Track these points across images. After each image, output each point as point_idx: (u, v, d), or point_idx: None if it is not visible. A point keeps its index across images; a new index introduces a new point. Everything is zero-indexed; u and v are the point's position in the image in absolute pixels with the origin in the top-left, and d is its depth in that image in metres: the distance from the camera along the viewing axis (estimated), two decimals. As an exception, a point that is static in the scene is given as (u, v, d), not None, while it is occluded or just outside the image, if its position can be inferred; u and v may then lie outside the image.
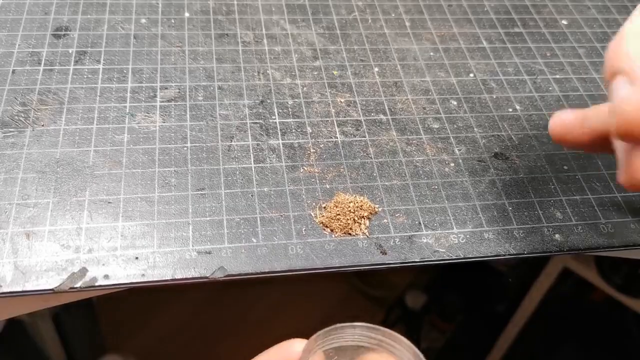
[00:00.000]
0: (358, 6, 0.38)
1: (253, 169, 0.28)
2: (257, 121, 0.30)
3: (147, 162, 0.27)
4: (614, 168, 0.30)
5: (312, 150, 0.29)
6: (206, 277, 0.24)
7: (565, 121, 0.26)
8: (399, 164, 0.29)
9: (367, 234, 0.26)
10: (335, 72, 0.34)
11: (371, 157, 0.29)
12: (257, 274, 0.24)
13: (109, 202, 0.26)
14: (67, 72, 0.31)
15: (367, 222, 0.26)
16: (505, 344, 0.70)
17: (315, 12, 0.37)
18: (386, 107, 0.32)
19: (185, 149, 0.28)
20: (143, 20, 0.35)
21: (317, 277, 0.23)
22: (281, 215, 0.26)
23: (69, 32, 0.33)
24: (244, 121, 0.30)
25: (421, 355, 0.22)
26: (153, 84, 0.31)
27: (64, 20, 0.34)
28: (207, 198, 0.26)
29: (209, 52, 0.34)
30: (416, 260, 0.25)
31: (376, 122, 0.31)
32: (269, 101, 0.31)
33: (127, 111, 0.30)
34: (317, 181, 0.28)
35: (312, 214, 0.26)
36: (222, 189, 0.27)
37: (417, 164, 0.29)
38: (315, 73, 0.33)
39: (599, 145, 0.26)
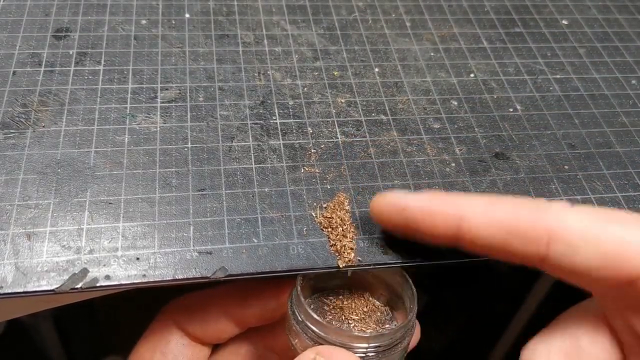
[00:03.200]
0: (358, 7, 0.38)
1: (254, 170, 0.28)
2: (258, 122, 0.30)
3: (147, 163, 0.28)
4: (615, 168, 0.30)
5: (312, 151, 0.29)
6: (207, 278, 0.24)
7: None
8: (399, 164, 0.29)
9: (352, 247, 0.25)
10: (335, 73, 0.34)
11: (372, 158, 0.29)
12: (258, 273, 0.24)
13: (110, 203, 0.26)
14: (68, 74, 0.31)
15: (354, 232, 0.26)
16: (506, 344, 0.70)
17: (316, 13, 0.37)
18: (387, 108, 0.32)
19: (186, 149, 0.28)
20: (143, 22, 0.35)
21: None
22: (282, 216, 0.26)
23: (69, 34, 0.33)
24: (245, 122, 0.30)
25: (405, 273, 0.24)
26: (154, 85, 0.31)
27: (65, 22, 0.34)
28: (208, 198, 0.26)
29: (209, 53, 0.34)
30: (418, 260, 0.25)
31: (377, 122, 0.31)
32: (269, 102, 0.31)
33: (128, 112, 0.30)
34: (318, 181, 0.28)
35: (313, 214, 0.26)
36: (223, 189, 0.27)
37: (418, 164, 0.29)
38: (316, 74, 0.33)
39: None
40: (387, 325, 0.25)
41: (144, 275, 0.23)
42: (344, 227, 0.25)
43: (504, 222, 0.21)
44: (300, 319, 0.23)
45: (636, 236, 0.20)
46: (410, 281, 0.24)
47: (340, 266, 0.24)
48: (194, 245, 0.25)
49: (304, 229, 0.26)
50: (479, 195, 0.23)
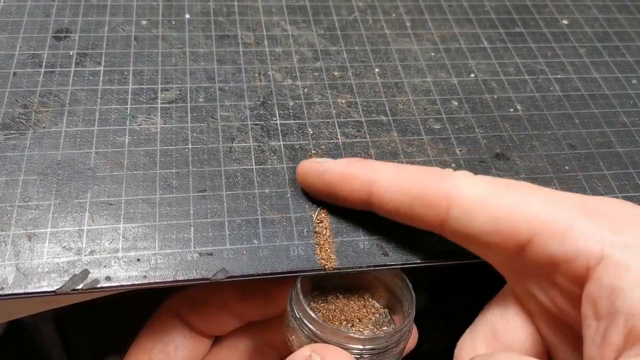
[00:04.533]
0: (359, 7, 0.38)
1: (254, 171, 0.28)
2: (258, 122, 0.30)
3: (148, 163, 0.27)
4: (615, 168, 0.30)
5: (313, 152, 0.29)
6: (208, 279, 0.24)
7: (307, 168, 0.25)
8: (400, 164, 0.29)
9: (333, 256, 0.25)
10: (336, 73, 0.34)
11: (372, 158, 0.29)
12: (259, 275, 0.24)
13: (110, 204, 0.26)
14: (68, 74, 0.31)
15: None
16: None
17: (316, 13, 0.37)
18: (387, 108, 0.32)
19: (187, 150, 0.28)
20: (144, 22, 0.35)
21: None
22: (282, 217, 0.26)
23: (69, 34, 0.33)
24: (245, 123, 0.30)
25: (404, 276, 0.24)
26: (154, 86, 0.31)
27: (65, 23, 0.34)
28: (209, 200, 0.26)
29: (209, 53, 0.34)
30: (418, 261, 0.25)
31: (377, 123, 0.31)
32: (269, 102, 0.31)
33: (128, 113, 0.30)
34: (319, 182, 0.28)
35: (313, 215, 0.26)
36: (224, 190, 0.27)
37: (419, 164, 0.29)
38: (316, 74, 0.33)
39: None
40: (385, 328, 0.25)
41: (145, 277, 0.23)
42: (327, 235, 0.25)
43: (410, 187, 0.22)
44: (298, 316, 0.23)
45: (525, 203, 0.20)
46: (410, 285, 0.24)
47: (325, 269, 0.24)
48: (194, 247, 0.25)
49: (305, 230, 0.26)
50: (392, 163, 0.24)
